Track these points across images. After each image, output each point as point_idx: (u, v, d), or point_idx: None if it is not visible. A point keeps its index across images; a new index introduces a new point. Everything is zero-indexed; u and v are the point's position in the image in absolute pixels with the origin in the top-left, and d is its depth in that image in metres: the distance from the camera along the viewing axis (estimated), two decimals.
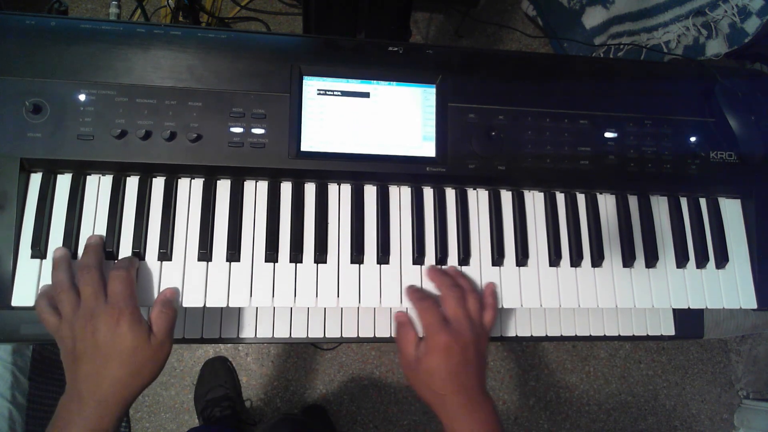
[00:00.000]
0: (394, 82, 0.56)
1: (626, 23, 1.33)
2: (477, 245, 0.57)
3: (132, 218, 0.51)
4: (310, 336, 0.61)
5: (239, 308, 0.61)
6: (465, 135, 0.56)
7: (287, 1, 1.51)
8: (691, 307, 0.59)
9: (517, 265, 0.57)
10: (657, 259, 0.59)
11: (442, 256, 0.56)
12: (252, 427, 1.26)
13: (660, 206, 0.61)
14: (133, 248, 0.51)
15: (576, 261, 0.58)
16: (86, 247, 0.49)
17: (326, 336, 0.61)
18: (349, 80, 0.55)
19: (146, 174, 0.53)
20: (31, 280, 0.49)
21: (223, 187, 0.54)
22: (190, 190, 0.53)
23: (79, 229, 0.50)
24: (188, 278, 0.51)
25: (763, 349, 1.55)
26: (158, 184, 0.53)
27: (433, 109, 0.56)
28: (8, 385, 0.87)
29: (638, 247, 0.59)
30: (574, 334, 0.65)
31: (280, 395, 1.33)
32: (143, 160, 0.50)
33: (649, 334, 0.67)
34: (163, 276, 0.51)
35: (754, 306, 0.60)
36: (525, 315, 0.66)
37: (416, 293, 0.54)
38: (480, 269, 0.57)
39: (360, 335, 0.61)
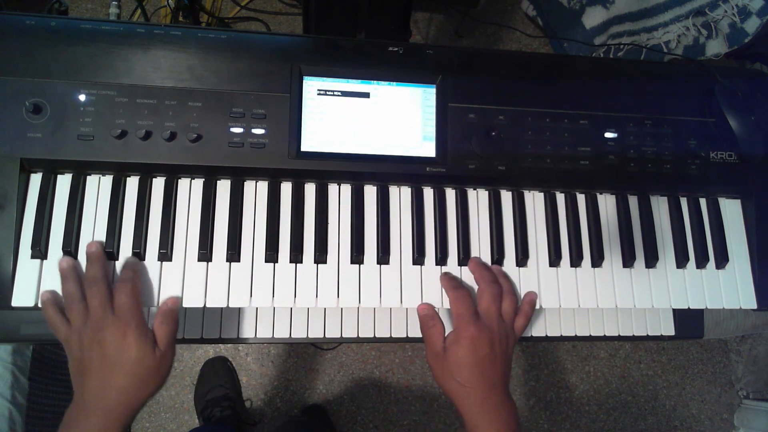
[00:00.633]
0: (394, 82, 0.56)
1: (626, 23, 1.33)
2: (477, 245, 0.57)
3: (132, 218, 0.51)
4: (310, 336, 0.61)
5: (239, 308, 0.61)
6: (465, 135, 0.56)
7: (287, 1, 1.51)
8: (691, 307, 0.59)
9: (517, 266, 0.57)
10: (657, 259, 0.59)
11: (442, 257, 0.56)
12: (252, 427, 1.26)
13: (660, 206, 0.61)
14: (133, 248, 0.51)
15: (576, 261, 0.58)
16: (89, 257, 0.49)
17: (326, 336, 0.61)
18: (349, 80, 0.55)
19: (146, 174, 0.53)
20: (31, 280, 0.49)
21: (223, 187, 0.54)
22: (190, 191, 0.53)
23: (79, 229, 0.50)
24: (188, 278, 0.51)
25: (763, 349, 1.55)
26: (158, 184, 0.53)
27: (433, 109, 0.56)
28: (8, 385, 0.87)
29: (638, 247, 0.59)
30: (574, 334, 0.65)
31: (280, 395, 1.33)
32: (143, 160, 0.50)
33: (649, 334, 0.67)
34: (163, 276, 0.51)
35: (754, 306, 0.60)
36: None
37: (452, 281, 0.54)
38: None
39: (360, 335, 0.61)
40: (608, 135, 0.58)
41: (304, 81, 0.54)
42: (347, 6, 0.81)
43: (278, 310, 0.61)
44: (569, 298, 0.57)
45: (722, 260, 0.60)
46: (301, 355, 1.36)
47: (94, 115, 0.50)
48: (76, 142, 0.49)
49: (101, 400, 0.45)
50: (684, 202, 0.62)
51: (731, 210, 0.62)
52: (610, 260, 0.59)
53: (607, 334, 0.65)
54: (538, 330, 0.65)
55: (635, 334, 0.66)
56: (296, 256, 0.53)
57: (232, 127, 0.52)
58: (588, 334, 0.65)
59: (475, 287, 0.55)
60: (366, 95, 0.55)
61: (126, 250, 0.51)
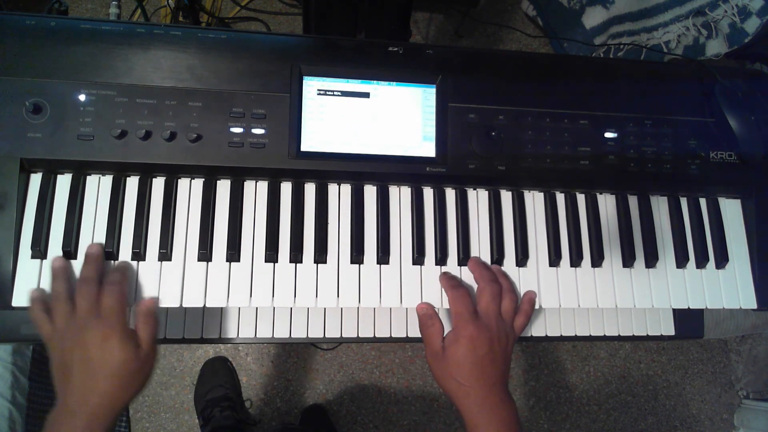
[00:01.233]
0: (394, 82, 0.56)
1: (626, 23, 1.33)
2: (477, 245, 0.57)
3: (132, 218, 0.51)
4: (310, 336, 0.61)
5: (239, 308, 0.61)
6: (465, 135, 0.56)
7: (287, 1, 1.51)
8: (691, 307, 0.59)
9: (516, 265, 0.57)
10: (657, 259, 0.59)
11: (441, 256, 0.56)
12: (252, 428, 1.26)
13: (660, 206, 0.61)
14: (133, 248, 0.51)
15: (576, 261, 0.58)
16: (87, 257, 0.49)
17: (326, 336, 0.61)
18: (349, 80, 0.55)
19: (146, 174, 0.53)
20: (31, 280, 0.49)
21: (223, 187, 0.54)
22: (190, 191, 0.53)
23: (79, 229, 0.50)
24: (188, 278, 0.51)
25: (763, 349, 1.55)
26: (158, 184, 0.53)
27: (433, 109, 0.56)
28: (8, 385, 0.87)
29: (638, 247, 0.59)
30: (574, 334, 0.65)
31: (280, 395, 1.33)
32: (143, 160, 0.50)
33: (649, 334, 0.67)
34: (163, 276, 0.51)
35: (754, 306, 0.60)
36: None
37: (451, 280, 0.54)
38: None
39: (360, 335, 0.61)
40: (608, 135, 0.58)
41: (304, 81, 0.54)
42: (347, 6, 0.81)
43: (278, 310, 0.61)
44: (569, 298, 0.57)
45: (722, 260, 0.60)
46: (301, 355, 1.36)
47: (94, 115, 0.50)
48: (76, 142, 0.49)
49: (84, 403, 0.45)
50: (684, 202, 0.62)
51: (731, 210, 0.62)
52: (610, 260, 0.59)
53: (607, 334, 0.65)
54: (538, 330, 0.65)
55: (635, 334, 0.66)
56: (296, 256, 0.53)
57: (232, 127, 0.52)
58: (588, 334, 0.65)
59: (475, 287, 0.55)
60: (366, 95, 0.55)
61: (126, 250, 0.51)
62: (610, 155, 0.58)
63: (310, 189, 0.55)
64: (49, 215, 0.50)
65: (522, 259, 0.57)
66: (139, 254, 0.51)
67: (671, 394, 1.52)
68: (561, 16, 1.49)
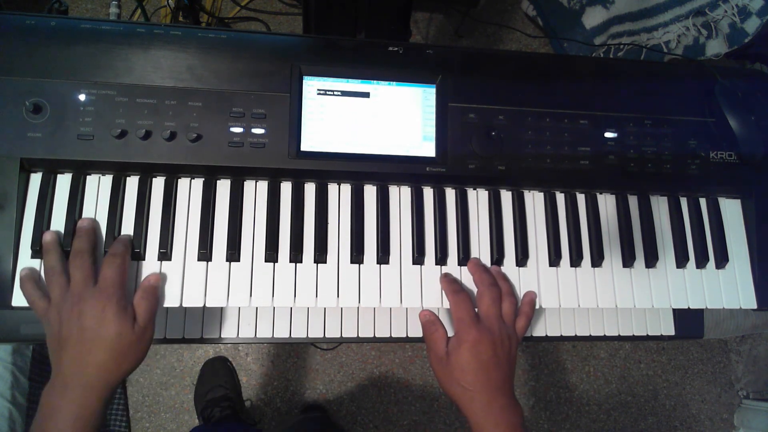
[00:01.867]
0: (394, 82, 0.56)
1: (626, 23, 1.33)
2: (477, 245, 0.57)
3: (132, 218, 0.51)
4: (310, 336, 0.61)
5: (239, 308, 0.61)
6: (465, 135, 0.55)
7: (287, 1, 1.51)
8: (691, 307, 0.59)
9: (516, 265, 0.57)
10: (657, 259, 0.59)
11: (441, 256, 0.56)
12: (252, 427, 1.26)
13: (660, 206, 0.61)
14: (133, 248, 0.51)
15: (576, 261, 0.58)
16: (78, 230, 0.49)
17: (326, 336, 0.61)
18: (349, 80, 0.55)
19: (146, 174, 0.53)
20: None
21: (223, 187, 0.54)
22: (190, 190, 0.53)
23: None
24: (188, 278, 0.51)
25: (763, 349, 1.55)
26: (158, 184, 0.53)
27: (433, 109, 0.56)
28: (8, 385, 0.87)
29: (638, 247, 0.59)
30: (574, 334, 0.65)
31: (280, 395, 1.33)
32: (143, 160, 0.50)
33: (649, 334, 0.67)
34: (163, 276, 0.51)
35: (754, 306, 0.60)
36: None
37: (452, 284, 0.54)
38: None
39: (360, 335, 0.61)
40: (608, 135, 0.58)
41: (304, 81, 0.54)
42: (347, 6, 0.81)
43: (278, 309, 0.61)
44: (569, 298, 0.57)
45: (722, 260, 0.60)
46: (301, 355, 1.36)
47: (94, 114, 0.50)
48: (76, 141, 0.49)
49: (79, 375, 0.45)
50: (684, 202, 0.62)
51: (731, 210, 0.62)
52: (610, 260, 0.59)
53: (607, 334, 0.65)
54: (538, 330, 0.65)
55: (635, 334, 0.66)
56: (296, 256, 0.53)
57: (232, 126, 0.52)
58: (588, 334, 0.65)
59: (475, 289, 0.55)
60: (366, 95, 0.55)
61: None
62: (610, 155, 0.58)
63: (310, 189, 0.55)
64: (49, 215, 0.50)
65: (522, 259, 0.57)
66: (139, 254, 0.51)
67: (671, 394, 1.52)
68: (561, 16, 1.49)
